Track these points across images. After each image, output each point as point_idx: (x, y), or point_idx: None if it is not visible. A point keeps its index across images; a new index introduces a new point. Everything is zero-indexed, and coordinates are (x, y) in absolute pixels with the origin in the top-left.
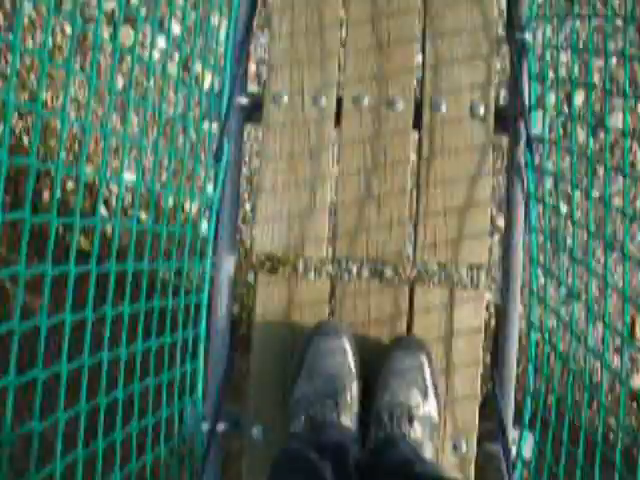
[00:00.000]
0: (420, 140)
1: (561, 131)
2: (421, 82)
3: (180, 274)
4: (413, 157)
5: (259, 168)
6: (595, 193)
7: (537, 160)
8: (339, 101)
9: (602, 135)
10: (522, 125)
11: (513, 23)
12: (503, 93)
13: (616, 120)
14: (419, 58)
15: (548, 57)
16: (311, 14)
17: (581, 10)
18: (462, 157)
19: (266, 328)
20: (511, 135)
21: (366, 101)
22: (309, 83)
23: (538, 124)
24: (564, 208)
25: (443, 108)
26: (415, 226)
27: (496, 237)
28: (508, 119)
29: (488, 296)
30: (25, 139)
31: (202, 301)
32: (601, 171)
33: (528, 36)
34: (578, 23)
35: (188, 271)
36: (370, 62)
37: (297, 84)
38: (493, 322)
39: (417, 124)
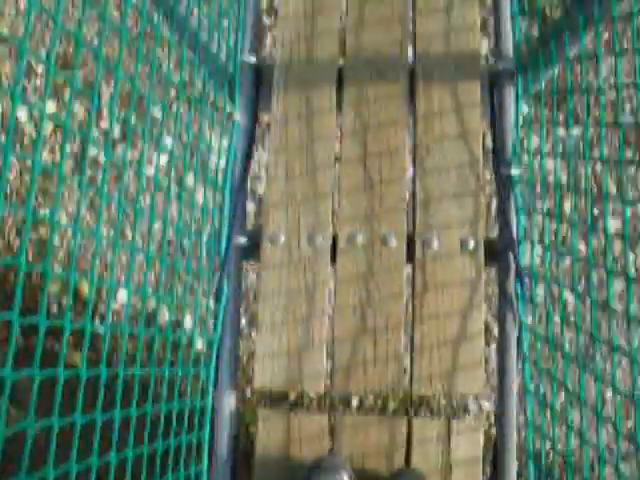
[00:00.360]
0: (413, 275)
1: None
2: (412, 218)
3: (182, 413)
4: (407, 291)
5: (257, 305)
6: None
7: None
8: (334, 239)
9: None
10: (512, 257)
11: (499, 159)
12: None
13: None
14: (410, 195)
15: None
16: (305, 156)
17: (564, 120)
18: (454, 291)
19: (266, 463)
20: (501, 267)
21: (360, 239)
22: (305, 222)
23: (527, 256)
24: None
25: (434, 244)
26: (411, 359)
27: (493, 346)
28: (498, 251)
29: (487, 406)
30: (16, 242)
31: (204, 437)
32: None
33: (514, 171)
34: (562, 132)
35: (190, 409)
36: (363, 201)
37: (293, 224)
38: (494, 430)
39: (410, 258)
